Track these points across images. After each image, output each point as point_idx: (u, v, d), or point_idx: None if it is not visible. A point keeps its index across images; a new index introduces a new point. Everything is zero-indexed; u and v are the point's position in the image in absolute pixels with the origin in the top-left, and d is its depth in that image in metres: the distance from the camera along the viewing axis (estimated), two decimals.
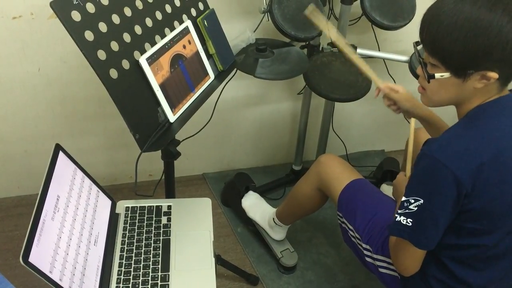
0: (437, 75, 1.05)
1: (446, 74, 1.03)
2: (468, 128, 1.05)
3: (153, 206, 1.35)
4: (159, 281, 1.16)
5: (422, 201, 1.04)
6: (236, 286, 1.78)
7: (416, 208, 1.05)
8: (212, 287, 1.17)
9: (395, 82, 2.11)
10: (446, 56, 1.01)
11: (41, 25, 1.65)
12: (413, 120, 1.46)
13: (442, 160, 1.00)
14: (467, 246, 1.11)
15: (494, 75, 0.99)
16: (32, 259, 0.91)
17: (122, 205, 1.35)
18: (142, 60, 1.15)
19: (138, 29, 1.18)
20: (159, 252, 1.23)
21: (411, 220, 1.06)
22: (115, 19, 1.13)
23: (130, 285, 1.15)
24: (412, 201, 1.05)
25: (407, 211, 1.06)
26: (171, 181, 1.45)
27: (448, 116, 1.35)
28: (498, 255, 1.13)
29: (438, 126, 1.34)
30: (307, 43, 1.82)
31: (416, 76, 1.77)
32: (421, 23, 1.04)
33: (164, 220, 1.32)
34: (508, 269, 1.18)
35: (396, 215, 1.08)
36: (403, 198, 1.08)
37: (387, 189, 2.02)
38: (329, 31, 1.44)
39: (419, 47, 1.09)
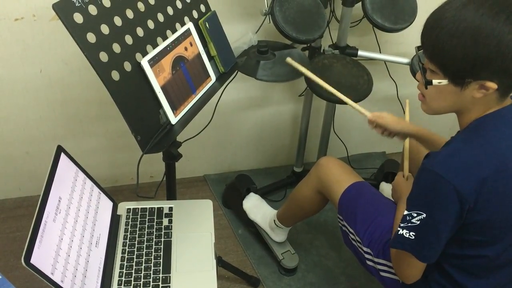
0: (435, 82, 1.03)
1: (444, 81, 1.02)
2: (469, 141, 1.04)
3: (154, 207, 1.35)
4: (160, 283, 1.16)
5: (424, 215, 1.04)
6: None
7: (418, 222, 1.04)
8: None
9: (396, 84, 2.11)
10: (445, 63, 1.00)
11: (43, 27, 1.65)
12: (407, 118, 1.46)
13: (444, 175, 0.99)
14: (470, 256, 1.11)
15: (493, 85, 0.97)
16: (33, 260, 0.92)
17: (124, 207, 1.35)
18: (144, 62, 1.15)
19: (140, 31, 1.19)
20: (160, 254, 1.23)
21: (413, 234, 1.05)
22: (117, 21, 1.13)
23: (132, 286, 1.15)
24: (415, 215, 1.05)
25: (409, 224, 1.06)
26: (172, 183, 1.45)
27: (445, 125, 1.35)
28: (500, 265, 1.13)
29: (432, 140, 1.34)
30: (308, 45, 1.82)
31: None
32: (423, 27, 1.03)
33: (165, 221, 1.32)
34: (511, 277, 1.17)
35: (399, 229, 1.08)
36: (406, 212, 1.07)
37: (386, 187, 2.02)
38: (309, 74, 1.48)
39: (421, 52, 1.09)
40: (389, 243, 1.18)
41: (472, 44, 0.95)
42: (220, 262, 1.63)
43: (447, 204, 1.01)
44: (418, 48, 1.08)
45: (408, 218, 1.06)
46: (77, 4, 1.04)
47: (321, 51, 1.85)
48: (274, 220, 1.79)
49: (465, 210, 1.01)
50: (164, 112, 1.21)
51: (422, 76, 1.07)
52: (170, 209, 1.36)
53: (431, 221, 1.03)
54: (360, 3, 1.73)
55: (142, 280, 1.17)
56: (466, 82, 1.00)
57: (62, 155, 1.14)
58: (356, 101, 1.70)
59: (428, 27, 1.02)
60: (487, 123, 1.04)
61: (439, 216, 1.03)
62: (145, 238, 1.27)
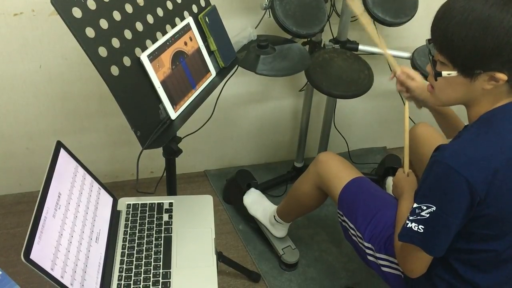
0: (444, 73, 1.04)
1: (454, 73, 1.02)
2: (481, 134, 1.04)
3: (155, 203, 1.35)
4: (160, 278, 1.16)
5: (434, 208, 1.03)
6: (237, 283, 1.78)
7: (428, 215, 1.04)
8: (213, 284, 1.17)
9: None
10: (454, 54, 1.00)
11: (42, 22, 1.65)
12: (406, 116, 1.45)
13: (456, 167, 0.99)
14: (476, 250, 1.10)
15: (503, 76, 0.97)
16: (33, 256, 0.91)
17: (124, 202, 1.35)
18: (143, 57, 1.14)
19: (139, 26, 1.18)
20: (161, 249, 1.23)
21: (422, 227, 1.05)
22: (116, 15, 1.12)
23: (132, 282, 1.15)
24: (424, 207, 1.04)
25: (418, 217, 1.05)
26: (172, 178, 1.45)
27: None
28: (507, 259, 1.12)
29: (451, 119, 1.33)
30: (308, 39, 1.81)
31: (418, 72, 1.77)
32: (433, 19, 1.03)
33: (165, 217, 1.32)
34: None
35: (407, 221, 1.07)
36: (415, 205, 1.06)
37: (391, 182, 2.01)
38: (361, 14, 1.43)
39: (431, 44, 1.08)
40: (396, 236, 1.17)
41: (481, 35, 0.95)
42: (221, 258, 1.63)
43: (458, 196, 1.00)
44: (429, 41, 1.07)
45: (417, 211, 1.05)
46: None
47: (322, 45, 1.85)
48: (274, 216, 1.79)
49: (475, 203, 1.01)
50: (164, 107, 1.21)
51: (432, 68, 1.07)
52: (170, 204, 1.35)
53: (441, 214, 1.02)
54: None
55: (143, 275, 1.17)
56: (476, 74, 1.00)
57: (62, 151, 1.14)
58: (356, 96, 1.70)
59: (438, 18, 1.02)
60: (498, 116, 1.04)
61: (449, 209, 1.02)
62: (145, 234, 1.27)
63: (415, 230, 1.06)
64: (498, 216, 1.04)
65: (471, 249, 1.10)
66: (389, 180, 2.05)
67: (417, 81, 1.35)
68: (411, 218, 1.07)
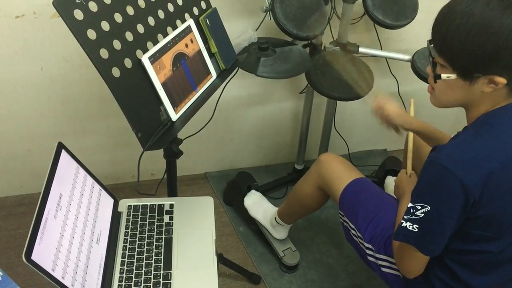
0: (444, 76, 1.04)
1: (453, 76, 1.02)
2: (477, 136, 1.04)
3: (155, 204, 1.35)
4: (161, 280, 1.16)
5: (429, 208, 1.03)
6: (238, 285, 1.78)
7: (422, 215, 1.04)
8: (214, 285, 1.17)
9: (397, 81, 2.11)
10: (454, 57, 1.00)
11: (44, 24, 1.65)
12: (410, 136, 1.46)
13: (451, 168, 0.99)
14: (472, 251, 1.11)
15: (502, 80, 0.97)
16: (34, 257, 0.92)
17: (125, 204, 1.35)
18: (145, 59, 1.15)
19: (140, 28, 1.18)
20: (161, 251, 1.23)
21: (417, 226, 1.05)
22: (118, 17, 1.13)
23: (132, 283, 1.15)
24: (419, 207, 1.05)
25: (413, 217, 1.06)
26: (173, 180, 1.45)
27: (447, 123, 1.36)
28: (503, 261, 1.13)
29: (435, 137, 1.33)
30: (309, 42, 1.82)
31: (418, 74, 1.78)
32: (434, 21, 1.03)
33: (166, 218, 1.32)
34: None
35: (402, 221, 1.08)
36: (410, 204, 1.07)
37: (391, 180, 2.01)
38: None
39: (432, 46, 1.09)
40: (392, 236, 1.18)
41: (481, 39, 0.95)
42: (221, 259, 1.63)
43: (452, 197, 1.00)
44: (429, 42, 1.07)
45: (412, 210, 1.06)
46: (77, 1, 1.03)
47: (322, 47, 1.85)
48: (275, 217, 1.79)
49: (469, 204, 1.01)
50: (165, 109, 1.21)
51: (431, 70, 1.07)
52: (171, 206, 1.36)
53: (435, 214, 1.03)
54: (361, 0, 1.73)
55: (143, 276, 1.17)
56: (475, 77, 1.00)
57: (63, 152, 1.14)
58: (357, 98, 1.71)
59: (438, 21, 1.02)
60: (495, 117, 1.04)
61: (443, 209, 1.02)
62: (146, 235, 1.27)
63: (409, 230, 1.06)
64: (493, 218, 1.04)
65: (467, 250, 1.11)
66: (388, 180, 2.05)
67: (387, 109, 1.40)
68: (406, 217, 1.07)
